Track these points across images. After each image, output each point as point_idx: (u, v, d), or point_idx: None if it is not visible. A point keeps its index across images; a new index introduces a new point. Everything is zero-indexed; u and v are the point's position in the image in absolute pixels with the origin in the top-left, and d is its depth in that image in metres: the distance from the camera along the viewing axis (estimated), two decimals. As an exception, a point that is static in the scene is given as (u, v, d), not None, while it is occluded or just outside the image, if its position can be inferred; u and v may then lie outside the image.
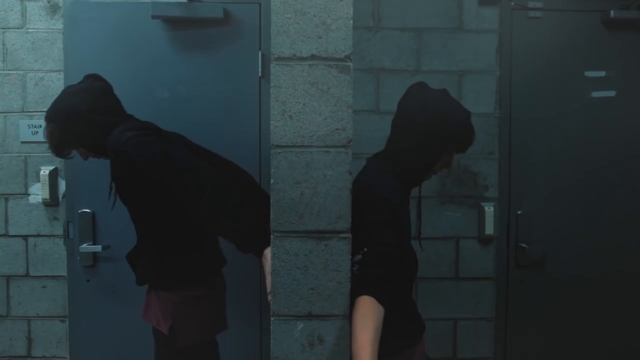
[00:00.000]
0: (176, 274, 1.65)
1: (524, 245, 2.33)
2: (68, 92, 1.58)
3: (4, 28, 2.28)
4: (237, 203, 1.38)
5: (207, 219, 1.40)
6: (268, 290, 1.22)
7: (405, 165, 1.39)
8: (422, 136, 1.36)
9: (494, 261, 2.35)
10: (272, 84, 1.19)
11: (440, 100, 1.38)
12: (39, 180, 2.29)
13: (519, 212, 2.35)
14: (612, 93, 2.37)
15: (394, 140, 1.42)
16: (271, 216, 1.21)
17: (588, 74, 2.36)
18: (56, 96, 1.61)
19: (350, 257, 1.21)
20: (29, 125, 2.27)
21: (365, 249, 1.23)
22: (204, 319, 1.72)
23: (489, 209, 2.31)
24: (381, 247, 1.24)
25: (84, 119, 1.53)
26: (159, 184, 1.49)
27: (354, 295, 1.19)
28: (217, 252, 1.83)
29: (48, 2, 2.28)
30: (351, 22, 1.19)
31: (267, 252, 1.28)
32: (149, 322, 1.71)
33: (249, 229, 1.35)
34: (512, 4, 2.32)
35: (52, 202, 2.28)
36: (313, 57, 1.19)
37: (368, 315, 1.13)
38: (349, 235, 1.21)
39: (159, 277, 1.67)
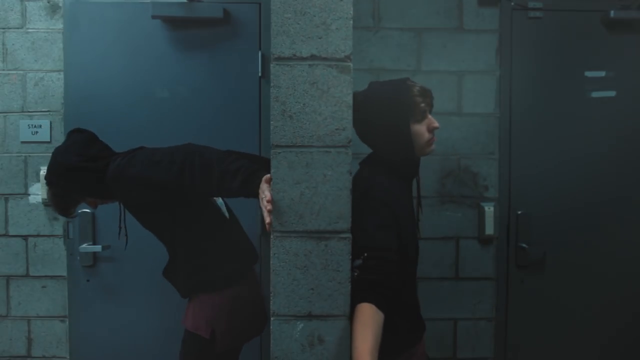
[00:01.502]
0: (215, 276, 1.68)
1: (524, 245, 2.33)
2: (58, 153, 1.63)
3: (4, 28, 2.28)
4: (220, 158, 1.42)
5: (204, 186, 1.44)
6: (267, 221, 1.21)
7: (389, 162, 1.40)
8: (377, 123, 1.37)
9: (494, 261, 2.35)
10: (272, 84, 1.19)
11: (369, 88, 1.43)
12: (39, 180, 2.28)
13: (519, 212, 2.35)
14: (612, 93, 2.36)
15: (372, 148, 1.46)
16: (272, 216, 1.21)
17: (588, 74, 2.36)
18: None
19: (351, 258, 1.21)
20: (28, 125, 2.27)
21: (366, 254, 1.22)
22: (242, 322, 1.74)
23: (489, 209, 2.31)
24: (382, 252, 1.23)
25: (80, 169, 1.58)
26: (168, 190, 1.51)
27: (354, 302, 1.19)
28: (250, 247, 1.85)
29: (48, 2, 2.28)
30: (351, 22, 1.19)
31: (262, 185, 1.26)
32: (185, 326, 1.72)
33: (242, 175, 1.36)
34: (512, 4, 2.32)
35: (52, 202, 2.28)
36: (313, 57, 1.19)
37: (368, 324, 1.13)
38: (349, 235, 1.20)
39: (200, 282, 1.69)
